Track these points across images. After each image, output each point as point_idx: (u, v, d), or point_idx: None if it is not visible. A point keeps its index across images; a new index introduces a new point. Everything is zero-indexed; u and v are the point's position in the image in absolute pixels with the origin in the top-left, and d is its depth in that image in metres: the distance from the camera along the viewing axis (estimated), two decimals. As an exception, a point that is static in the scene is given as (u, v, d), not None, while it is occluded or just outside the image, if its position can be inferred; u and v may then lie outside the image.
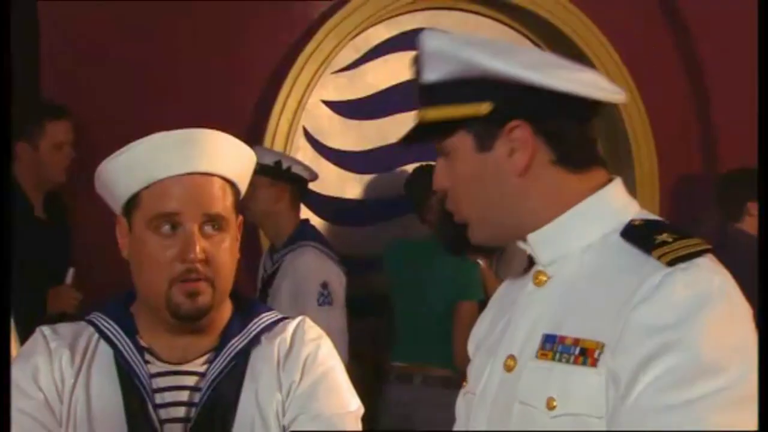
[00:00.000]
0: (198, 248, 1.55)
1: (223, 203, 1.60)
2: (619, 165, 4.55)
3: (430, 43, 1.36)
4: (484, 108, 1.33)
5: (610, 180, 1.40)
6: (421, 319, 3.69)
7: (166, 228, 1.56)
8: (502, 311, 1.48)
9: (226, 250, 1.59)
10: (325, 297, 3.46)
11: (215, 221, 1.58)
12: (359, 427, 1.64)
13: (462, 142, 1.36)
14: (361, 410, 1.65)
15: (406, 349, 3.71)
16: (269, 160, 3.56)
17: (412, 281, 3.73)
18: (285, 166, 3.59)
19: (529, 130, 1.33)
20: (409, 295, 3.75)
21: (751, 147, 2.59)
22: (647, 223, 1.34)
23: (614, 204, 1.37)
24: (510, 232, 1.40)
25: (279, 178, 3.57)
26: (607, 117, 4.51)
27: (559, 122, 1.35)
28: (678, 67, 4.63)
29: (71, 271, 3.47)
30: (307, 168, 3.69)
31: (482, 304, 3.10)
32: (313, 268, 3.49)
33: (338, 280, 3.53)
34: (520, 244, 1.40)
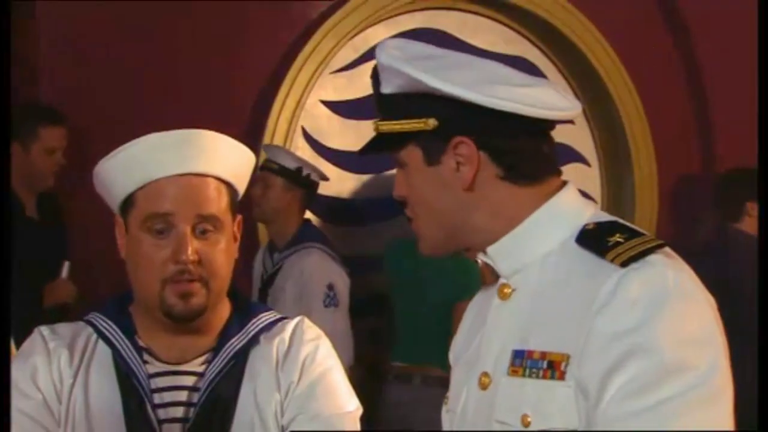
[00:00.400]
0: (190, 249, 1.54)
1: (217, 204, 1.59)
2: (618, 166, 4.56)
3: (381, 56, 1.39)
4: (430, 123, 1.37)
5: (563, 186, 1.41)
6: (421, 319, 3.69)
7: (160, 228, 1.56)
8: (476, 323, 1.49)
9: (221, 251, 1.59)
10: (331, 298, 3.47)
11: (209, 222, 1.58)
12: (358, 427, 1.64)
13: (412, 154, 1.41)
14: (360, 410, 1.65)
15: (406, 349, 3.71)
16: (291, 165, 3.58)
17: (412, 281, 3.73)
18: (305, 173, 3.62)
19: (473, 146, 1.36)
20: (408, 294, 3.75)
21: (750, 147, 2.60)
22: (600, 226, 1.34)
23: (567, 209, 1.38)
24: (460, 244, 1.44)
25: (297, 183, 3.59)
26: (606, 117, 4.52)
27: (504, 138, 1.37)
28: (677, 66, 4.63)
29: (66, 265, 3.46)
30: (320, 173, 3.72)
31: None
32: (319, 270, 3.50)
33: (343, 282, 3.54)
34: (481, 257, 1.42)
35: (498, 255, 1.39)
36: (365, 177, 4.27)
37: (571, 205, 1.39)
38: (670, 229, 4.48)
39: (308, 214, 4.02)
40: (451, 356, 1.57)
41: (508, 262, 1.38)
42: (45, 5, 3.74)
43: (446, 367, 3.67)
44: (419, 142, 1.39)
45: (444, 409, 1.53)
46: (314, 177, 3.67)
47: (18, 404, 1.54)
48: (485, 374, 1.37)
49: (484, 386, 1.37)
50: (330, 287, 3.48)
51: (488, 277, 3.93)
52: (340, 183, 4.24)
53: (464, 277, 3.58)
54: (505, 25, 4.44)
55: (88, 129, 3.70)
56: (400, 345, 3.75)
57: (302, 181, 3.62)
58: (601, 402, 1.21)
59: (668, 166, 4.54)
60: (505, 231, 1.38)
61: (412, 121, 1.38)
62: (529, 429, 1.27)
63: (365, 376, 3.67)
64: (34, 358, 1.59)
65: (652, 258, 1.27)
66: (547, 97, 1.37)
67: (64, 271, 3.47)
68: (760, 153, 2.02)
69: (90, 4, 3.75)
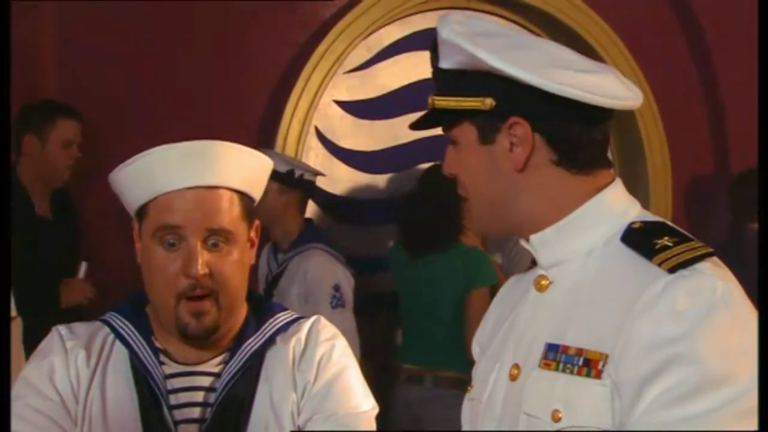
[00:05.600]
0: (200, 263, 1.54)
1: (229, 216, 1.58)
2: (633, 166, 4.54)
3: (443, 30, 1.36)
4: (486, 103, 1.35)
5: (613, 181, 1.38)
6: (429, 323, 3.66)
7: (170, 241, 1.56)
8: (505, 314, 1.48)
9: (233, 263, 1.58)
10: (338, 300, 3.46)
11: (220, 235, 1.57)
12: (373, 427, 1.64)
13: (466, 132, 1.39)
14: (376, 410, 1.65)
15: (416, 352, 3.69)
16: (282, 168, 3.56)
17: (415, 286, 3.70)
18: (297, 174, 3.59)
19: (528, 128, 1.34)
20: (414, 299, 3.72)
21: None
22: (647, 226, 1.32)
23: (614, 207, 1.36)
24: (507, 226, 1.42)
25: (290, 185, 3.57)
26: (620, 117, 4.50)
27: (560, 123, 1.35)
28: (691, 66, 4.62)
29: (84, 265, 3.47)
30: (315, 171, 3.70)
31: (495, 289, 3.06)
32: (324, 271, 3.49)
33: (347, 282, 3.53)
34: (523, 243, 1.41)
35: (540, 244, 1.37)
36: (378, 177, 4.28)
37: (619, 202, 1.37)
38: (684, 230, 4.46)
39: (320, 213, 4.02)
40: (476, 347, 1.55)
41: (550, 253, 1.37)
42: (59, 6, 3.75)
43: (457, 369, 3.63)
44: (474, 121, 1.37)
45: (466, 397, 1.51)
46: (308, 176, 3.63)
47: (35, 403, 1.54)
48: (516, 366, 1.36)
49: (513, 377, 1.35)
50: (336, 288, 3.47)
51: (501, 277, 3.88)
52: (352, 183, 4.24)
53: (475, 267, 3.57)
54: (519, 24, 4.44)
55: (100, 129, 3.71)
56: (409, 347, 3.74)
57: (296, 183, 3.60)
58: (637, 408, 1.19)
59: (682, 166, 4.52)
60: (552, 219, 1.36)
61: (468, 99, 1.36)
62: (560, 425, 1.25)
63: (377, 375, 3.67)
64: (51, 358, 1.59)
65: (701, 266, 1.24)
66: (608, 85, 1.34)
67: (82, 271, 3.47)
68: (761, 153, 2.02)
69: (103, 5, 3.76)
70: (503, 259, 4.03)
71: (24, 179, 3.47)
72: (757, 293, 1.50)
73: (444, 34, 1.36)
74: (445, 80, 1.40)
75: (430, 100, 1.41)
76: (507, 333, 1.43)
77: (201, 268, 1.54)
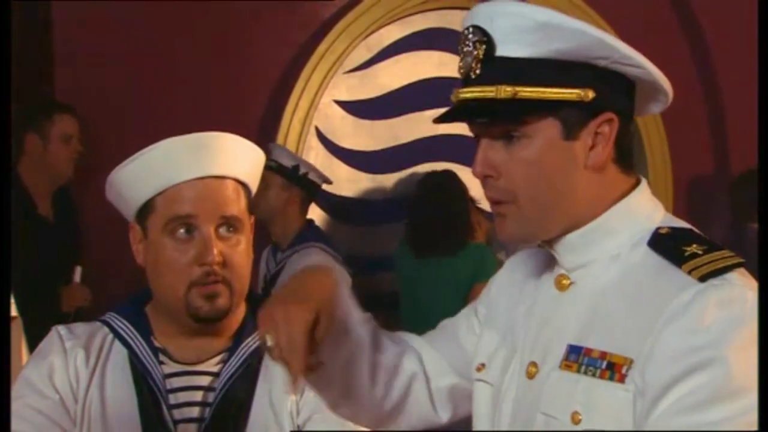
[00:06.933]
0: (215, 251, 1.55)
1: (237, 205, 1.60)
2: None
3: (540, 15, 1.24)
4: (588, 94, 1.27)
5: (638, 183, 1.36)
6: (430, 324, 3.65)
7: (182, 232, 1.57)
8: (515, 295, 1.45)
9: (242, 252, 1.60)
10: None
11: (231, 223, 1.59)
12: (373, 426, 1.64)
13: (548, 127, 1.27)
14: (375, 409, 1.65)
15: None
16: (288, 162, 3.56)
17: (418, 287, 3.70)
18: (302, 171, 3.60)
19: (617, 126, 1.29)
20: (417, 298, 3.72)
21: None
22: (674, 232, 1.29)
23: (640, 211, 1.33)
24: (549, 229, 1.33)
25: (294, 181, 3.58)
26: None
27: (630, 120, 1.33)
28: (690, 65, 4.62)
29: (78, 270, 3.49)
30: (321, 174, 3.70)
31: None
32: None
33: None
34: (545, 247, 1.37)
35: (565, 250, 1.34)
36: (378, 177, 4.28)
37: (645, 206, 1.34)
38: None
39: (321, 214, 4.02)
40: (482, 308, 1.53)
41: (574, 258, 1.33)
42: (59, 6, 3.75)
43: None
44: (560, 114, 1.27)
45: (477, 375, 1.46)
46: (312, 177, 3.64)
47: (35, 403, 1.55)
48: (533, 364, 1.34)
49: (531, 375, 1.33)
50: None
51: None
52: (352, 183, 4.24)
53: (479, 262, 3.57)
54: (519, 24, 4.43)
55: (101, 129, 3.71)
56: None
57: (299, 180, 3.60)
58: (656, 410, 1.17)
59: (682, 166, 4.52)
60: (589, 219, 1.31)
61: (566, 90, 1.26)
62: (579, 427, 1.23)
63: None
64: (51, 358, 1.60)
65: (731, 276, 1.22)
66: None
67: (77, 275, 3.48)
68: (761, 154, 2.01)
69: (103, 5, 3.76)
70: (507, 258, 4.02)
71: (25, 179, 3.47)
72: (759, 293, 1.50)
73: (543, 18, 1.24)
74: (517, 70, 1.25)
75: (509, 90, 1.25)
76: (524, 327, 1.40)
77: (216, 256, 1.55)
